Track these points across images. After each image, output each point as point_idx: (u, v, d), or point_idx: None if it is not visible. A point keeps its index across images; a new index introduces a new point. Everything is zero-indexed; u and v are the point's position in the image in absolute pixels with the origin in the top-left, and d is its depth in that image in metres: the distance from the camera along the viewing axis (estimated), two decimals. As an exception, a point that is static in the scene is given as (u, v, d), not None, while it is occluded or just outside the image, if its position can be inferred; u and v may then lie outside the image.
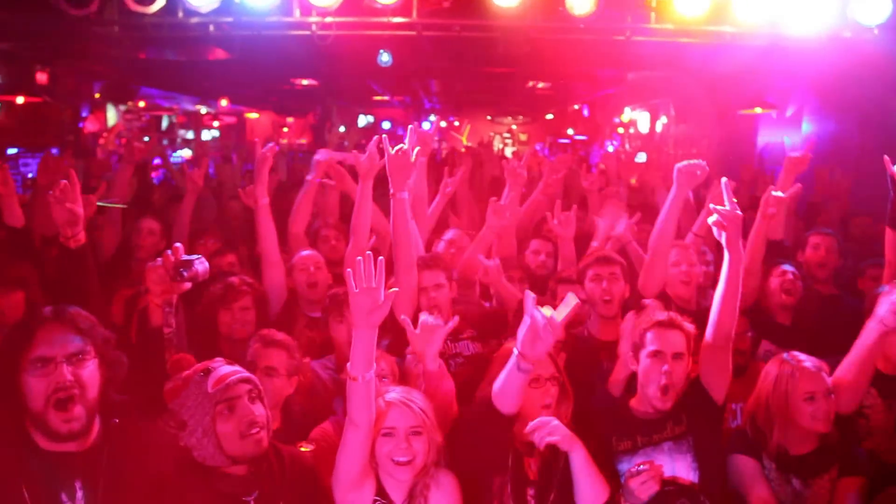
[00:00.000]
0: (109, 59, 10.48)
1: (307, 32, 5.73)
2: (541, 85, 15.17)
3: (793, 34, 5.83)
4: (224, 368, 2.26)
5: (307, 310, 3.96)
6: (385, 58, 7.47)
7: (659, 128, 16.54)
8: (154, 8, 5.23)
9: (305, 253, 4.05)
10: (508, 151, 21.96)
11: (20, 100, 10.53)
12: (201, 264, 2.36)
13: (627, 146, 18.39)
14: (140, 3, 5.17)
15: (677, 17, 5.62)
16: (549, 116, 21.97)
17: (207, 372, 2.24)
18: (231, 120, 19.58)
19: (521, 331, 2.32)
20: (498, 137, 22.67)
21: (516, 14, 5.40)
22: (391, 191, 3.36)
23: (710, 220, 2.63)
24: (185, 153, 17.97)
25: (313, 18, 5.46)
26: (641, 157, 17.08)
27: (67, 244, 2.64)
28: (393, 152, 3.33)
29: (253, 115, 19.82)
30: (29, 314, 2.28)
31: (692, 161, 3.52)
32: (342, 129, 18.39)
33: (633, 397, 2.87)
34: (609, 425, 2.79)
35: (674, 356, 2.71)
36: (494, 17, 5.47)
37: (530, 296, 2.33)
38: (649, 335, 2.76)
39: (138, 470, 2.13)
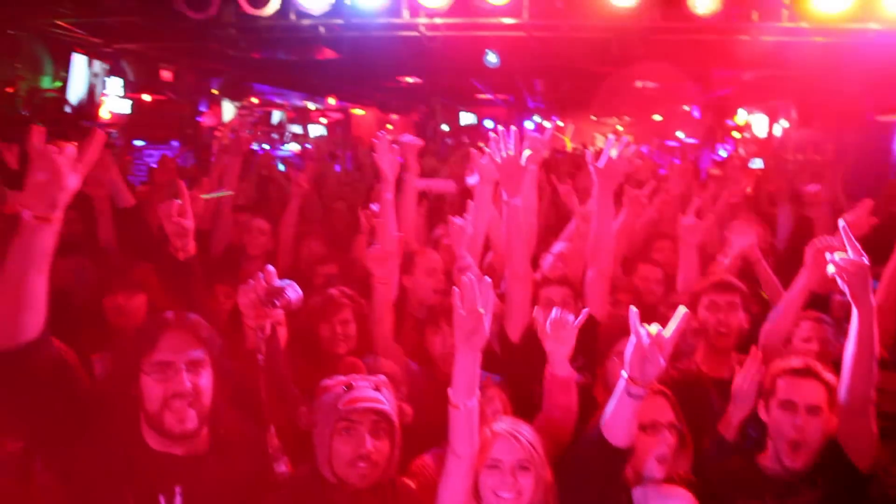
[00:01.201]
0: (226, 58, 10.94)
1: (415, 33, 5.69)
2: (650, 84, 14.60)
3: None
4: (364, 392, 2.22)
5: (418, 312, 3.82)
6: (492, 58, 7.33)
7: (778, 132, 15.57)
8: (268, 11, 5.32)
9: (434, 256, 3.92)
10: (613, 153, 21.31)
11: (146, 97, 11.12)
12: (294, 292, 2.30)
13: (742, 151, 17.44)
14: (255, 6, 5.27)
15: (814, 13, 5.18)
16: (657, 118, 21.15)
17: (349, 388, 2.21)
18: (337, 116, 20.01)
19: (628, 352, 2.11)
20: (602, 138, 22.08)
21: (633, 14, 5.13)
22: (504, 196, 3.18)
23: (830, 270, 2.31)
24: (294, 147, 18.58)
25: (421, 20, 5.40)
26: (757, 164, 16.20)
27: (176, 255, 2.66)
28: (501, 158, 3.16)
29: (358, 112, 20.18)
30: (152, 317, 2.31)
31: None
32: (445, 127, 18.49)
33: (761, 451, 2.57)
34: (733, 482, 2.50)
35: (808, 410, 2.40)
36: (609, 18, 5.21)
37: (634, 312, 2.13)
38: (781, 382, 2.46)
39: (238, 482, 2.14)
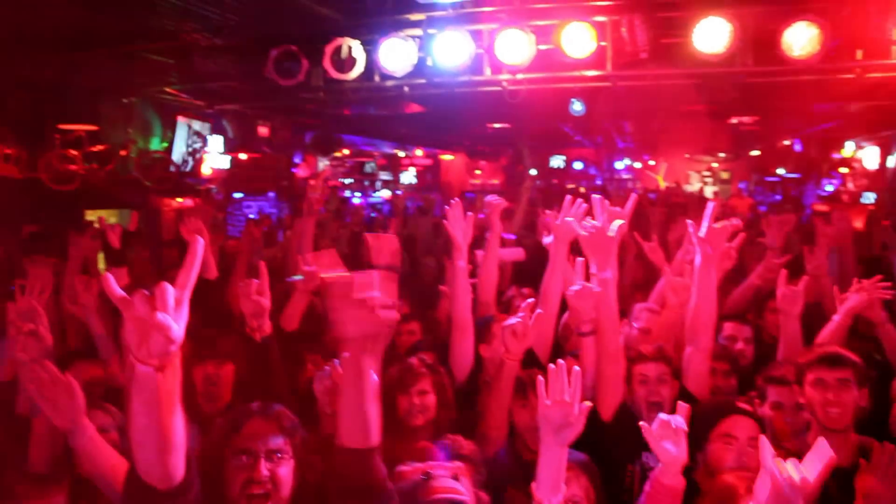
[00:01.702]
0: (319, 113, 11.43)
1: (498, 88, 5.69)
2: (745, 120, 14.06)
3: None
4: (443, 482, 2.14)
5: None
6: (577, 107, 7.27)
7: (891, 163, 14.59)
8: (353, 75, 5.47)
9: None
10: (708, 191, 20.58)
11: (244, 155, 11.71)
12: None
13: (851, 185, 16.43)
14: (340, 70, 5.43)
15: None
16: (755, 153, 20.29)
17: (428, 477, 2.14)
18: (426, 162, 20.38)
19: (761, 491, 1.87)
20: (696, 176, 21.37)
21: (723, 60, 4.92)
22: (592, 270, 3.00)
23: None
24: (384, 193, 19.01)
25: (504, 76, 5.39)
26: (869, 198, 15.18)
27: (253, 336, 2.68)
28: (588, 230, 2.98)
29: (447, 157, 20.48)
30: (238, 406, 2.31)
31: None
32: (533, 171, 18.45)
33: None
34: None
35: None
36: (698, 65, 5.02)
37: (766, 445, 1.87)
38: None
39: None
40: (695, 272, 3.12)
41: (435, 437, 2.97)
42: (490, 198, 4.12)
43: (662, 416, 2.28)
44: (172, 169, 9.86)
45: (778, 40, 4.80)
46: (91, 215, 9.95)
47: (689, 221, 3.11)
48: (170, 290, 1.49)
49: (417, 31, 5.53)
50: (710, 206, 3.10)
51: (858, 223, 11.46)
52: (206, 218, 5.27)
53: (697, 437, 2.87)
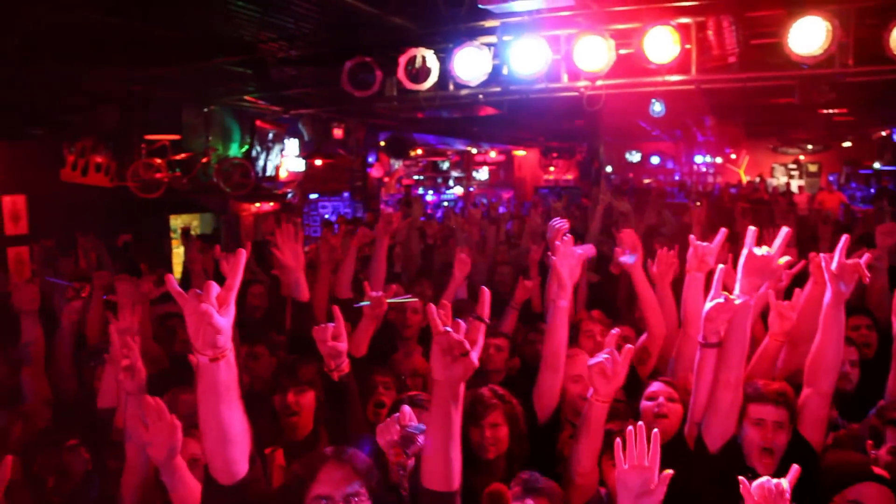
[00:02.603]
0: (391, 116, 11.49)
1: (576, 93, 5.52)
2: (837, 111, 13.27)
3: None
4: None
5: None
6: (657, 108, 7.00)
7: None
8: (427, 85, 5.41)
9: (583, 357, 3.46)
10: (794, 185, 19.60)
11: (319, 159, 11.89)
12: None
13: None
14: (414, 81, 5.38)
15: None
16: (847, 144, 19.18)
17: None
18: (499, 159, 20.24)
19: None
20: (781, 169, 20.38)
21: (821, 61, 4.59)
22: (743, 298, 2.70)
23: None
24: (457, 190, 18.98)
25: (582, 83, 5.21)
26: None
27: (331, 376, 2.67)
28: (760, 253, 2.67)
29: (520, 153, 20.26)
30: (314, 453, 2.32)
31: None
32: (609, 168, 18.03)
33: None
34: None
35: None
36: (792, 67, 4.71)
37: None
38: None
39: None
40: (823, 310, 2.86)
41: (508, 472, 2.88)
42: (555, 223, 3.96)
43: (766, 482, 2.09)
44: (252, 175, 10.11)
45: (885, 38, 4.43)
46: (176, 221, 10.36)
47: (822, 255, 2.83)
48: (214, 287, 1.73)
49: (492, 39, 5.41)
50: (842, 240, 2.83)
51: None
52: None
53: (819, 496, 2.63)
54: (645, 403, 3.32)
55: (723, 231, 3.37)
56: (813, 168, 20.39)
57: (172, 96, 9.10)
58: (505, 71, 5.24)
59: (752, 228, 2.81)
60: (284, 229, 3.74)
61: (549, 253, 3.34)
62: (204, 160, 9.74)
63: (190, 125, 9.84)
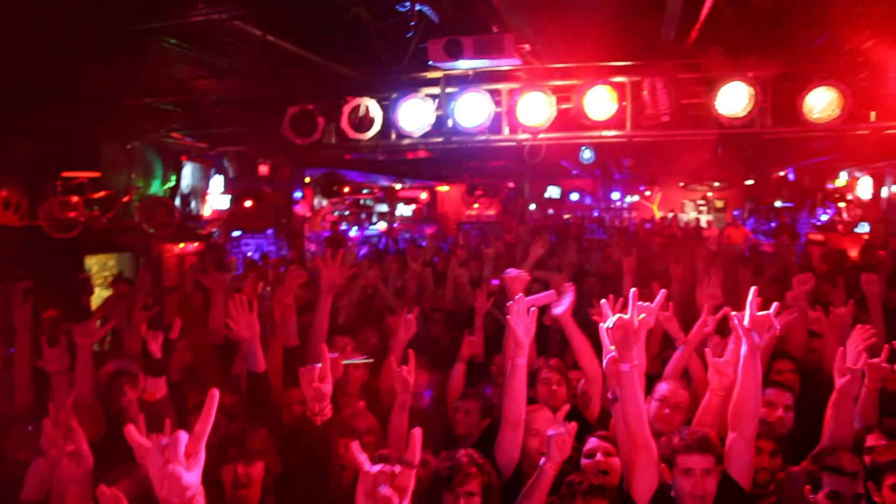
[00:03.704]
0: (319, 155, 11.43)
1: (514, 143, 5.68)
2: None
3: None
4: None
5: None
6: (587, 154, 7.28)
7: (885, 193, 14.74)
8: (370, 134, 5.43)
9: (545, 415, 3.58)
10: (703, 219, 20.71)
11: (246, 194, 11.63)
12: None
13: (846, 215, 16.56)
14: (357, 130, 5.40)
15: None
16: (749, 182, 20.47)
17: None
18: (423, 194, 20.39)
19: None
20: (691, 205, 21.50)
21: (744, 122, 4.93)
22: (621, 366, 2.90)
23: None
24: (381, 226, 18.96)
25: (523, 136, 5.37)
26: (864, 228, 15.30)
27: (314, 420, 2.63)
28: (615, 322, 2.89)
29: (443, 189, 20.49)
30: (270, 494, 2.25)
31: None
32: (532, 206, 18.49)
33: None
34: None
35: None
36: (719, 126, 5.03)
37: None
38: None
39: None
40: (741, 361, 3.08)
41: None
42: (510, 273, 4.06)
43: None
44: (176, 213, 9.77)
45: (799, 104, 4.82)
46: (91, 261, 9.85)
47: (733, 314, 3.05)
48: (182, 440, 1.60)
49: (435, 90, 5.51)
50: (752, 293, 3.06)
51: (854, 252, 11.59)
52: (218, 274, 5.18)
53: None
54: (584, 461, 3.43)
55: (663, 292, 3.51)
56: (719, 204, 21.60)
57: (95, 132, 8.73)
58: (449, 123, 5.34)
59: (603, 303, 3.04)
60: (237, 300, 3.64)
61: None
62: (125, 198, 9.35)
63: (111, 161, 9.44)
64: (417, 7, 4.09)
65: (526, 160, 5.45)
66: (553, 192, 20.21)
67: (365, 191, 18.06)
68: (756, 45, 5.50)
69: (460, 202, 20.21)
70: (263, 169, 12.60)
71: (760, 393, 3.15)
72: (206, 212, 11.44)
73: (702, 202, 21.67)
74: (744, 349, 3.05)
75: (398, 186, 18.96)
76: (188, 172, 10.66)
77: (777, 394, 3.92)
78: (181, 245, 10.38)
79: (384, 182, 18.15)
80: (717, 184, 20.85)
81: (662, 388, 3.83)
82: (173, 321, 4.11)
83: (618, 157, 12.90)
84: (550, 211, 19.87)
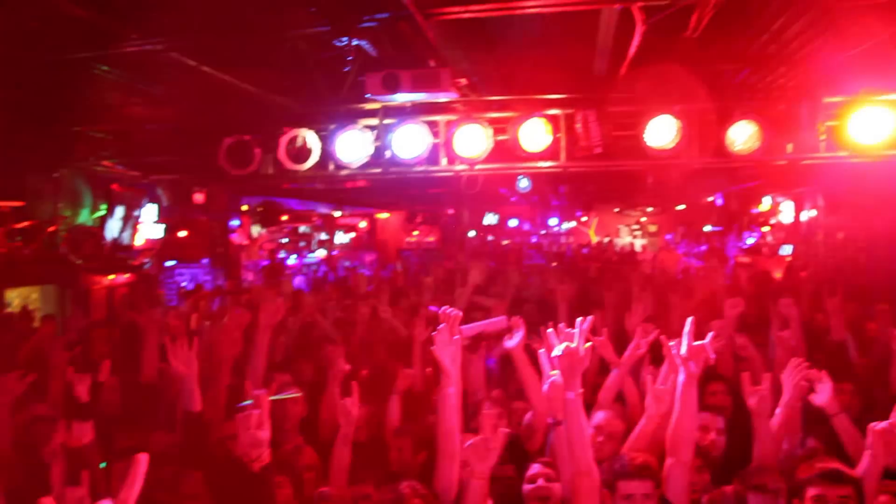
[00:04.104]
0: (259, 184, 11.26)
1: (452, 174, 5.75)
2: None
3: None
4: None
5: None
6: (524, 183, 7.42)
7: (805, 217, 15.49)
8: (307, 165, 5.41)
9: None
10: (638, 244, 21.32)
11: (180, 223, 11.34)
12: None
13: (770, 238, 17.33)
14: (295, 162, 5.37)
15: (852, 144, 5.17)
16: (681, 207, 21.23)
17: None
18: (362, 221, 20.32)
19: None
20: (626, 229, 22.12)
21: (671, 154, 5.14)
22: (567, 394, 3.00)
23: None
24: (320, 254, 18.77)
25: (460, 167, 5.44)
26: (787, 250, 16.03)
27: (251, 466, 2.58)
28: (562, 351, 2.99)
29: (383, 216, 20.48)
30: None
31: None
32: (472, 233, 18.67)
33: None
34: None
35: None
36: (648, 157, 5.23)
37: None
38: None
39: None
40: (678, 389, 3.18)
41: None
42: (447, 309, 4.07)
43: None
44: (105, 243, 9.44)
45: (722, 136, 5.06)
46: (12, 294, 9.40)
47: (670, 344, 3.16)
48: None
49: (374, 121, 5.54)
50: (688, 323, 3.17)
51: (778, 273, 12.11)
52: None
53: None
54: (526, 486, 3.47)
55: (589, 319, 3.62)
56: (653, 228, 22.30)
57: (20, 160, 8.39)
58: (387, 154, 5.37)
59: (549, 332, 3.14)
60: (175, 337, 3.56)
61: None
62: (51, 228, 8.99)
63: (36, 190, 9.07)
64: (355, 42, 4.12)
65: (464, 190, 5.52)
66: (492, 218, 20.46)
67: (304, 219, 17.90)
68: (683, 80, 5.76)
69: (400, 229, 20.22)
70: (199, 197, 12.32)
71: (697, 419, 3.27)
72: (139, 241, 11.11)
73: (636, 227, 22.34)
74: (681, 378, 3.16)
75: (337, 214, 18.85)
76: (120, 203, 10.34)
77: (710, 418, 4.02)
78: (110, 277, 10.02)
79: (323, 210, 18.02)
80: (650, 209, 21.53)
81: (599, 416, 3.90)
82: (101, 359, 3.97)
83: (554, 185, 13.18)
84: (490, 237, 20.09)
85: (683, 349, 3.11)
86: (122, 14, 4.15)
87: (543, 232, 21.18)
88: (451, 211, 18.60)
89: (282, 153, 5.43)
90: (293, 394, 3.91)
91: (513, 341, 4.18)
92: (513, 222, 20.30)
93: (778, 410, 3.70)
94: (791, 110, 5.19)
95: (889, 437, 2.97)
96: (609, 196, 18.83)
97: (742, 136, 5.09)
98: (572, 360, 2.97)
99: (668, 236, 21.56)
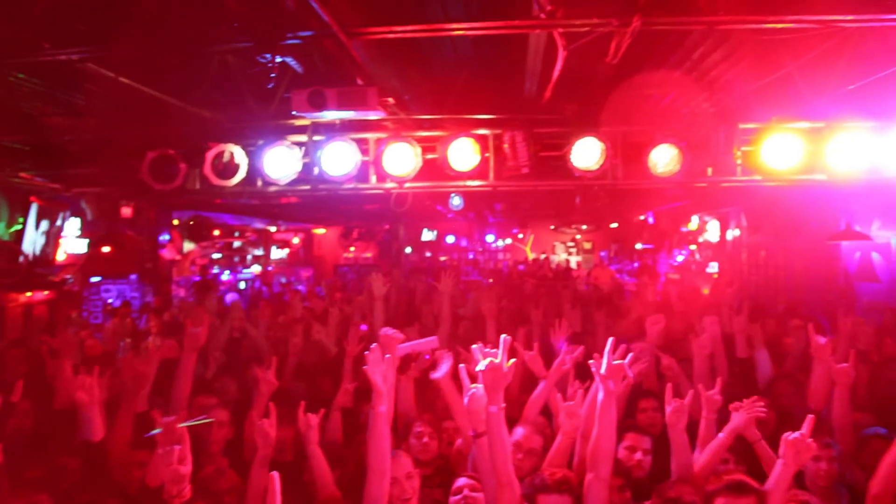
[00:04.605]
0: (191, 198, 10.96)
1: (382, 191, 5.74)
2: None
3: (892, 176, 5.54)
4: None
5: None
6: (457, 201, 7.46)
7: (730, 236, 16.09)
8: (234, 181, 5.32)
9: (405, 460, 3.62)
10: (573, 261, 21.72)
11: (105, 237, 10.97)
12: None
13: (698, 256, 17.91)
14: (221, 177, 5.27)
15: (766, 169, 5.41)
16: (614, 225, 21.76)
17: None
18: (299, 237, 20.06)
19: None
20: (562, 246, 22.50)
21: (597, 175, 5.26)
22: (490, 407, 3.06)
23: None
24: (255, 269, 18.42)
25: (390, 184, 5.44)
26: (714, 267, 16.60)
27: (171, 502, 2.50)
28: (486, 366, 3.04)
29: (320, 231, 20.27)
30: None
31: None
32: (409, 249, 18.65)
33: None
34: None
35: None
36: (574, 178, 5.34)
37: None
38: None
39: None
40: (598, 406, 3.25)
41: None
42: (385, 331, 4.06)
43: None
44: (23, 258, 9.04)
45: (645, 159, 5.22)
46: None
47: (591, 361, 3.23)
48: None
49: (302, 138, 5.49)
50: (609, 342, 3.25)
51: (706, 290, 12.52)
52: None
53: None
54: (452, 499, 3.53)
55: (505, 338, 3.68)
56: (587, 245, 22.76)
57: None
58: (315, 171, 5.32)
59: (474, 348, 3.19)
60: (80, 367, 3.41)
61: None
62: (-36, 243, 8.56)
63: (-54, 204, 8.64)
64: (280, 59, 4.07)
65: (394, 208, 5.51)
66: (430, 234, 20.50)
67: (237, 234, 17.56)
68: (609, 102, 5.92)
69: (337, 245, 20.04)
70: (126, 211, 11.95)
71: (615, 436, 3.34)
72: (60, 256, 10.66)
73: (571, 244, 22.75)
74: (600, 395, 3.24)
75: (273, 229, 18.56)
76: (40, 216, 9.91)
77: (637, 438, 4.09)
78: (28, 293, 9.58)
79: (259, 224, 17.72)
80: (585, 226, 21.98)
81: (518, 433, 3.93)
82: (15, 380, 3.78)
83: (490, 202, 13.32)
84: (428, 253, 20.12)
85: (604, 368, 3.19)
86: (34, 22, 3.99)
87: (480, 248, 21.35)
88: (386, 227, 18.54)
89: (207, 168, 5.32)
90: (205, 419, 3.79)
91: (439, 373, 4.23)
92: (450, 239, 20.39)
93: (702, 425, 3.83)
94: (710, 135, 5.39)
95: (800, 446, 3.09)
96: (545, 213, 19.14)
97: (663, 158, 5.26)
98: (496, 374, 3.04)
99: (603, 253, 22.05)
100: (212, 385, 5.21)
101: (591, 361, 3.30)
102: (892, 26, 4.07)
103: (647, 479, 3.92)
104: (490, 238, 21.32)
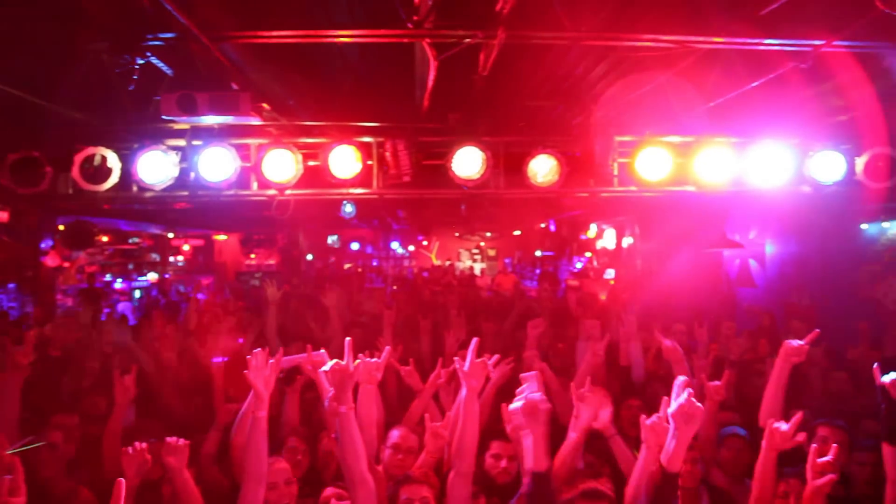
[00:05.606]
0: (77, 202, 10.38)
1: (263, 198, 5.63)
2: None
3: (754, 188, 5.93)
4: None
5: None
6: (349, 209, 7.44)
7: (625, 244, 16.74)
8: (106, 186, 5.09)
9: (280, 465, 3.63)
10: (477, 268, 22.02)
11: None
12: None
13: (596, 263, 18.51)
14: (91, 182, 5.04)
15: (640, 180, 5.66)
16: (517, 233, 22.22)
17: None
18: (198, 242, 19.41)
19: None
20: (466, 253, 22.78)
21: (479, 183, 5.36)
22: (339, 407, 3.15)
23: None
24: (152, 276, 17.67)
25: (271, 191, 5.35)
26: (611, 273, 17.21)
27: None
28: (331, 367, 3.16)
29: (221, 237, 19.68)
30: None
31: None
32: (310, 257, 18.37)
33: None
34: None
35: None
36: (457, 187, 5.41)
37: None
38: None
39: None
40: (462, 403, 3.39)
41: None
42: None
43: None
44: None
45: (524, 169, 5.36)
46: None
47: (455, 358, 3.33)
48: None
49: (181, 142, 5.32)
50: (473, 343, 3.35)
51: (603, 295, 12.97)
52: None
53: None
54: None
55: (387, 349, 3.83)
56: (492, 252, 23.14)
57: None
58: (192, 176, 5.17)
59: (321, 352, 3.31)
60: None
61: None
62: None
63: None
64: (143, 60, 3.93)
65: (274, 215, 5.42)
66: (333, 240, 20.31)
67: (133, 240, 16.83)
68: (494, 113, 6.05)
69: (239, 252, 19.53)
70: (2, 215, 11.22)
71: (478, 432, 3.43)
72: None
73: (476, 251, 23.07)
74: (463, 392, 3.39)
75: (171, 235, 17.88)
76: None
77: (502, 446, 4.06)
78: None
79: (155, 230, 17.02)
80: (489, 234, 22.34)
81: (394, 435, 3.98)
82: None
83: (392, 209, 13.32)
84: (332, 259, 19.90)
85: (466, 366, 3.33)
86: None
87: (385, 255, 21.34)
88: (284, 234, 18.24)
89: (76, 172, 5.07)
90: (34, 443, 3.64)
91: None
92: (355, 245, 20.25)
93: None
94: (588, 147, 5.60)
95: (659, 428, 3.22)
96: (449, 221, 19.32)
97: (542, 169, 5.42)
98: (343, 375, 3.17)
99: (507, 260, 22.45)
100: (80, 402, 4.99)
101: (455, 359, 3.44)
102: (737, 48, 4.36)
103: (512, 484, 4.02)
104: (395, 245, 21.33)
